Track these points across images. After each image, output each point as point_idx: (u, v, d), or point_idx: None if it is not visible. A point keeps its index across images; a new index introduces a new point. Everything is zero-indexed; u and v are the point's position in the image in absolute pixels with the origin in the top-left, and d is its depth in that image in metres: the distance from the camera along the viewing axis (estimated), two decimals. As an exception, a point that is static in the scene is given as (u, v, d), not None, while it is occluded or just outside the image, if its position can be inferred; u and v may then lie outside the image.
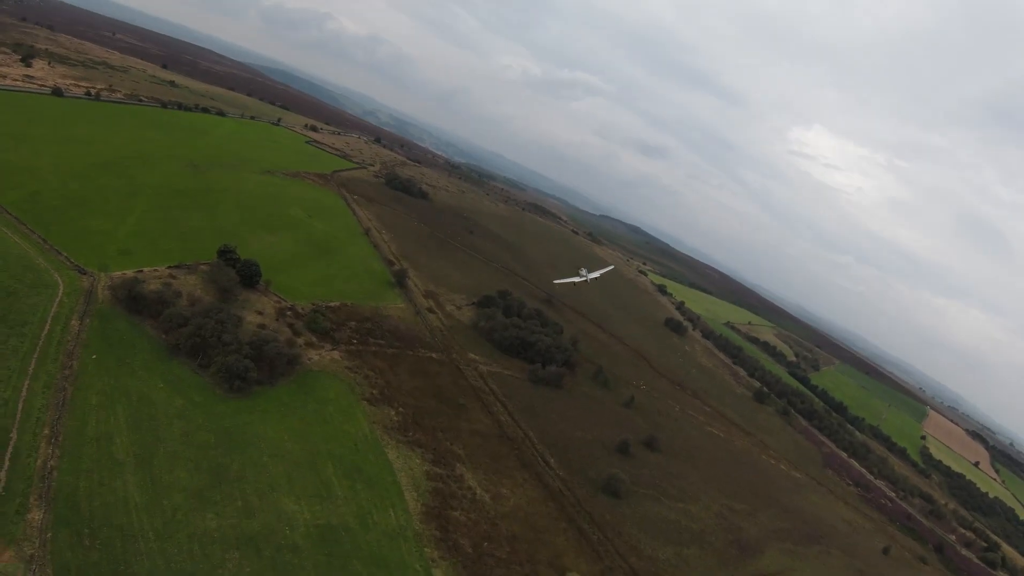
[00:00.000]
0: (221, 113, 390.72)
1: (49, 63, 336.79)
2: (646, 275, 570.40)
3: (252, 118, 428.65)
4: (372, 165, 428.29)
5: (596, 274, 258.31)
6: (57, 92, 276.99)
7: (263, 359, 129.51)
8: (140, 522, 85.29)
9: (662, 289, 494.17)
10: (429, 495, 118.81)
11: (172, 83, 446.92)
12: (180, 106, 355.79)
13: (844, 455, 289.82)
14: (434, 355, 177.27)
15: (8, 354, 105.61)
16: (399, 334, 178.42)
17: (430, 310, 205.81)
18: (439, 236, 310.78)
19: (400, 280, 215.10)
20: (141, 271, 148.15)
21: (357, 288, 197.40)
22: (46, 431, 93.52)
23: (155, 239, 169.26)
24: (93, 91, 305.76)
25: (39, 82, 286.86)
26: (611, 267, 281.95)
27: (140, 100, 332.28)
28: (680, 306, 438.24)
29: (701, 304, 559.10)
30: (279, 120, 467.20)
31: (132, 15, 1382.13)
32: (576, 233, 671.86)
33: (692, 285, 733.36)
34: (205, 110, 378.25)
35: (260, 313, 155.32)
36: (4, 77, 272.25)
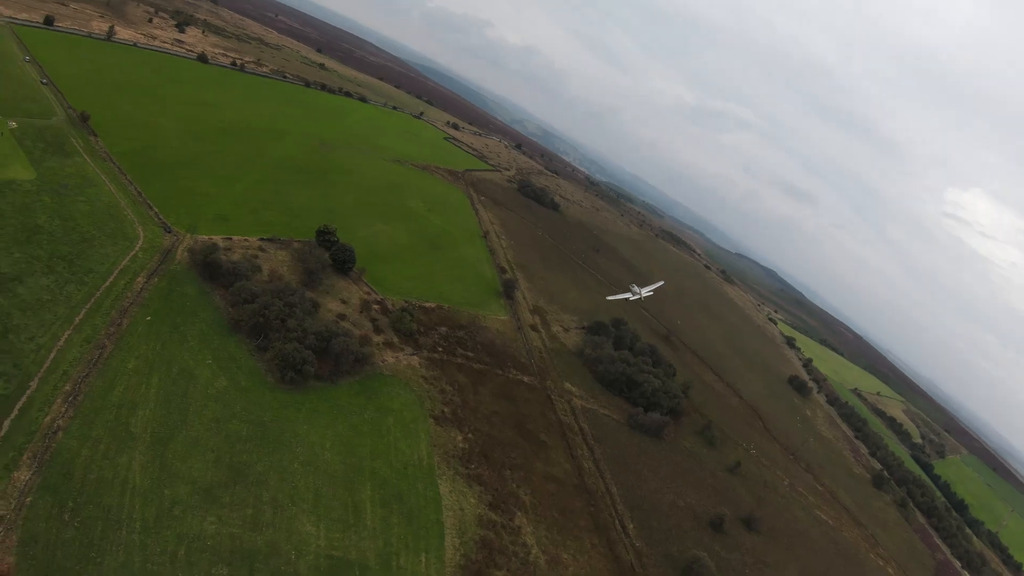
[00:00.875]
0: (364, 99, 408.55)
1: (203, 32, 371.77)
2: (775, 324, 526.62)
3: (394, 108, 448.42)
4: (507, 169, 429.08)
5: (648, 291, 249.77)
6: (202, 58, 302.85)
7: (328, 352, 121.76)
8: (131, 508, 76.89)
9: (790, 342, 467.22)
10: (474, 545, 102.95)
11: (322, 66, 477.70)
12: (324, 87, 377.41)
13: (958, 565, 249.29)
14: (525, 379, 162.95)
15: (61, 300, 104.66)
16: (492, 349, 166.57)
17: (534, 328, 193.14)
18: (562, 250, 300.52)
19: (509, 290, 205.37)
20: (230, 239, 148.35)
21: (459, 292, 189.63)
22: (67, 387, 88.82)
23: (257, 209, 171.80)
24: (239, 62, 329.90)
25: (187, 47, 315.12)
26: (661, 283, 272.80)
27: (284, 76, 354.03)
28: (807, 364, 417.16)
29: (829, 364, 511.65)
30: (421, 114, 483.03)
31: (301, 2, 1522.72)
32: (708, 268, 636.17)
33: (822, 342, 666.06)
34: (348, 94, 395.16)
35: (343, 302, 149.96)
36: (153, 39, 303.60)
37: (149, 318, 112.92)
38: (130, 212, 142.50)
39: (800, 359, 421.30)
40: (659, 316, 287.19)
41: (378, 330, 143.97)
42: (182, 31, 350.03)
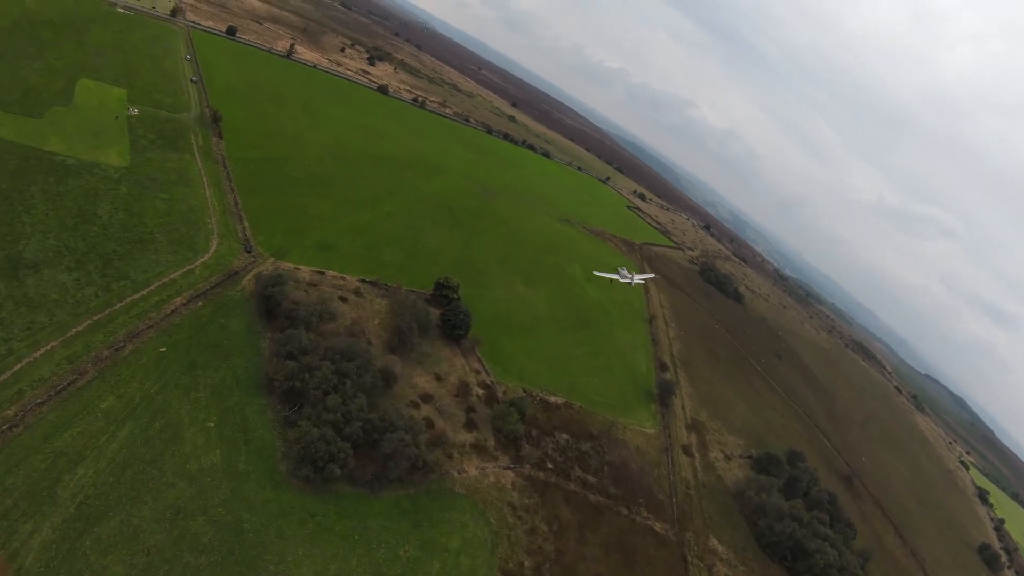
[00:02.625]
0: (547, 155, 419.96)
1: (395, 69, 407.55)
2: (967, 469, 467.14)
3: (579, 169, 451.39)
4: (691, 249, 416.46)
5: (640, 279, 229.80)
6: (382, 89, 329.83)
7: (377, 449, 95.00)
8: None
9: (983, 495, 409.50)
10: None
11: (511, 118, 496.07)
12: (506, 136, 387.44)
13: None
14: (658, 526, 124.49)
15: (69, 303, 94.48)
16: (623, 475, 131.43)
17: (686, 450, 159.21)
18: (738, 350, 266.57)
19: (664, 394, 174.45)
20: (322, 273, 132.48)
21: (599, 387, 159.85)
22: (9, 411, 74.26)
23: (376, 244, 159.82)
24: (421, 99, 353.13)
25: (372, 78, 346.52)
26: (653, 275, 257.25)
27: (467, 120, 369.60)
28: (999, 527, 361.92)
29: (1021, 526, 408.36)
30: (607, 179, 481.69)
31: (510, 64, 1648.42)
32: (899, 391, 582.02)
33: (1014, 496, 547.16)
34: (531, 147, 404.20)
35: (437, 379, 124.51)
36: (339, 65, 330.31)
37: (163, 349, 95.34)
38: (214, 221, 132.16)
39: (992, 519, 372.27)
40: (842, 447, 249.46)
41: (471, 425, 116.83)
42: (373, 64, 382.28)
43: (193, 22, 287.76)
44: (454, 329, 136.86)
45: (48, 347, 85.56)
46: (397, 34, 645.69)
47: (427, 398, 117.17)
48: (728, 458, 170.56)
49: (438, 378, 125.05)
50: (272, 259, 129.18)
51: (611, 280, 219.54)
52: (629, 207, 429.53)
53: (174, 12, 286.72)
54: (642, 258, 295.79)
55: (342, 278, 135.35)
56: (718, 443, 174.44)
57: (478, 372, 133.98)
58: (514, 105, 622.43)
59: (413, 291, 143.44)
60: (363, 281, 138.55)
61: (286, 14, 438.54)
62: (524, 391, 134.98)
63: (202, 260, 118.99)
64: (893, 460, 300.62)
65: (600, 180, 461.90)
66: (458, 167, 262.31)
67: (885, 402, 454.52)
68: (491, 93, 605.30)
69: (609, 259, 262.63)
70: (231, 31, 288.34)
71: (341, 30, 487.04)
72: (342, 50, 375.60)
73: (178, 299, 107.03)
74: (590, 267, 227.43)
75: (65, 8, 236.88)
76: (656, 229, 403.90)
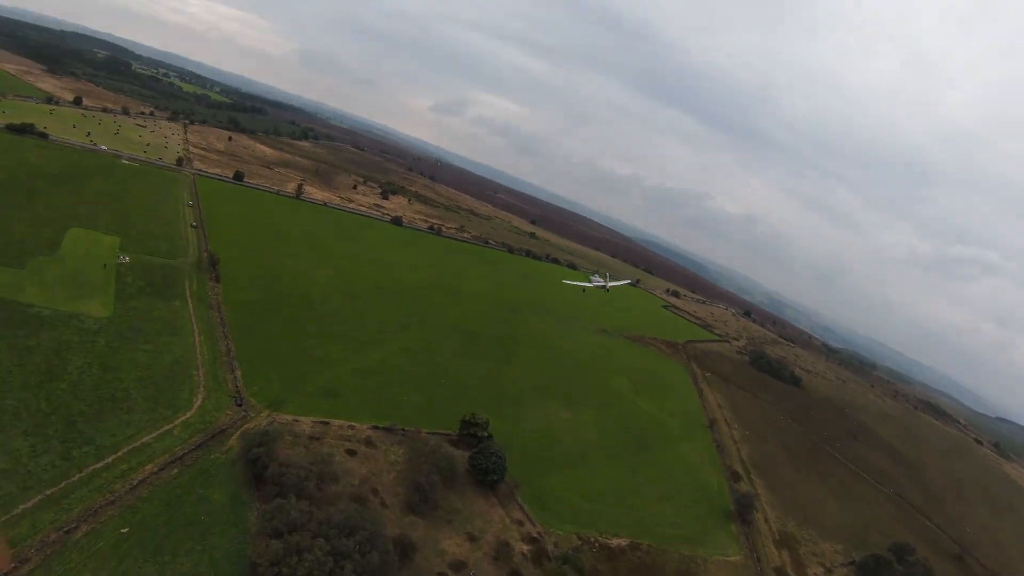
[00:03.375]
0: (572, 266, 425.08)
1: (409, 200, 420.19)
2: None
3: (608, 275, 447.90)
4: (736, 339, 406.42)
5: (614, 284, 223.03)
6: (396, 221, 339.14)
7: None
8: None
9: None
10: None
11: (532, 235, 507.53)
12: (529, 253, 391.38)
13: None
14: None
15: (17, 476, 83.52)
16: None
17: (780, 573, 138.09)
18: (810, 439, 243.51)
19: (744, 509, 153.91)
20: (326, 423, 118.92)
21: (669, 516, 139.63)
22: None
23: (389, 384, 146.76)
24: (437, 226, 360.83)
25: (385, 211, 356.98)
26: (629, 281, 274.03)
27: (487, 243, 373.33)
28: None
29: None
30: (638, 281, 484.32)
31: (525, 187, 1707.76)
32: (979, 443, 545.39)
33: None
34: (555, 261, 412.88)
35: (470, 539, 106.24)
36: (350, 201, 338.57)
37: (125, 530, 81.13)
38: (201, 372, 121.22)
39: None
40: (944, 523, 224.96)
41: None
42: (386, 198, 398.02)
43: (200, 170, 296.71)
44: (486, 474, 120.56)
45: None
46: (411, 169, 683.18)
47: (458, 567, 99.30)
48: (830, 571, 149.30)
49: (471, 539, 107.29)
50: (267, 412, 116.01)
51: (584, 288, 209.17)
52: (665, 307, 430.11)
53: (180, 161, 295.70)
54: (688, 357, 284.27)
55: (350, 427, 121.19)
56: (814, 555, 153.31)
57: (520, 523, 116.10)
58: (533, 223, 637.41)
59: (435, 434, 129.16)
60: (375, 428, 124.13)
61: (298, 159, 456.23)
62: (579, 538, 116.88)
63: (183, 418, 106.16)
64: (998, 522, 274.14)
65: (631, 284, 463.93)
66: (481, 290, 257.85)
67: (971, 459, 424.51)
68: (509, 214, 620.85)
69: (655, 365, 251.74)
70: (238, 176, 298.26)
71: (354, 169, 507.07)
72: (354, 187, 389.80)
73: (149, 467, 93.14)
74: (637, 379, 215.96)
75: (69, 161, 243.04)
76: (697, 324, 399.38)
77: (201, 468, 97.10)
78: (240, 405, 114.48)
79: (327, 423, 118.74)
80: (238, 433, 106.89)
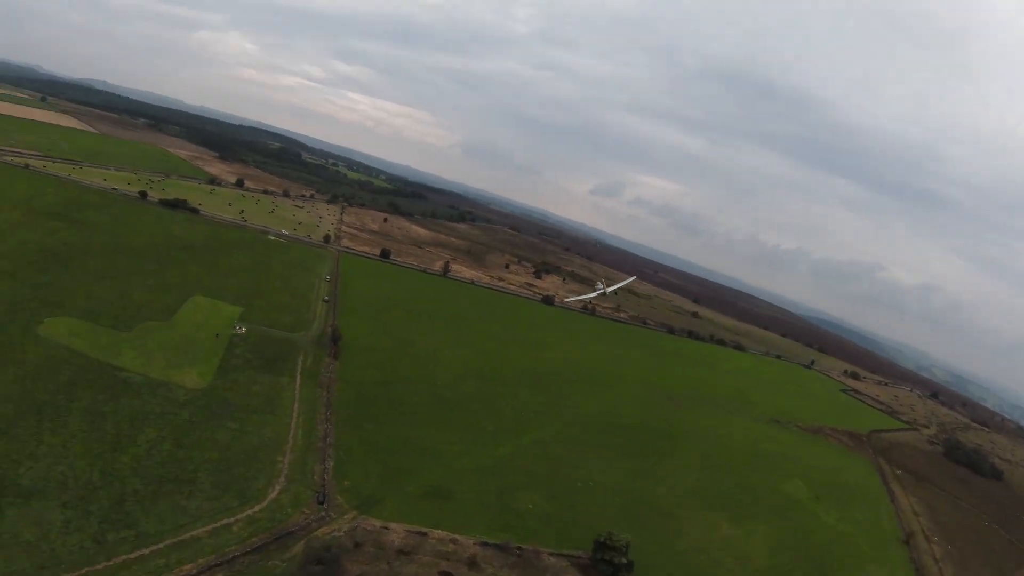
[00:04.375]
0: (739, 347, 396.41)
1: (563, 280, 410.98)
2: None
3: (777, 357, 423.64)
4: (926, 426, 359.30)
5: (613, 289, 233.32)
6: (547, 300, 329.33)
7: None
8: None
9: None
10: None
11: (694, 314, 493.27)
12: (691, 334, 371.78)
13: None
14: None
15: (35, 552, 74.43)
16: None
17: None
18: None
19: None
20: (422, 533, 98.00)
21: None
22: None
23: (513, 488, 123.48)
24: (591, 305, 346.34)
25: (536, 290, 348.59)
26: (633, 278, 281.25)
27: (645, 323, 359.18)
28: None
29: None
30: (812, 363, 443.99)
31: (686, 266, 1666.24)
32: None
33: None
34: (720, 342, 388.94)
35: None
36: (500, 280, 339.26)
37: None
38: (286, 459, 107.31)
39: None
40: None
41: None
42: (539, 277, 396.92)
43: (347, 247, 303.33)
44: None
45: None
46: (568, 249, 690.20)
47: None
48: None
49: None
50: (353, 513, 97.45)
51: (590, 300, 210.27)
52: (844, 390, 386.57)
53: (327, 239, 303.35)
54: (875, 451, 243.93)
55: (452, 540, 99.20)
56: None
57: None
58: (696, 301, 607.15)
59: (560, 555, 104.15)
60: (484, 544, 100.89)
61: (452, 239, 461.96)
62: None
63: (248, 512, 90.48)
64: None
65: (804, 366, 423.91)
66: (634, 375, 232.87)
67: None
68: (670, 293, 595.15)
69: (836, 461, 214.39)
70: (385, 254, 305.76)
71: (508, 249, 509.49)
72: (506, 267, 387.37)
73: (188, 567, 77.74)
74: (815, 481, 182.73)
75: (213, 234, 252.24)
76: (881, 410, 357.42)
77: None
78: (322, 503, 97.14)
79: (424, 533, 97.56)
80: (309, 537, 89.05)
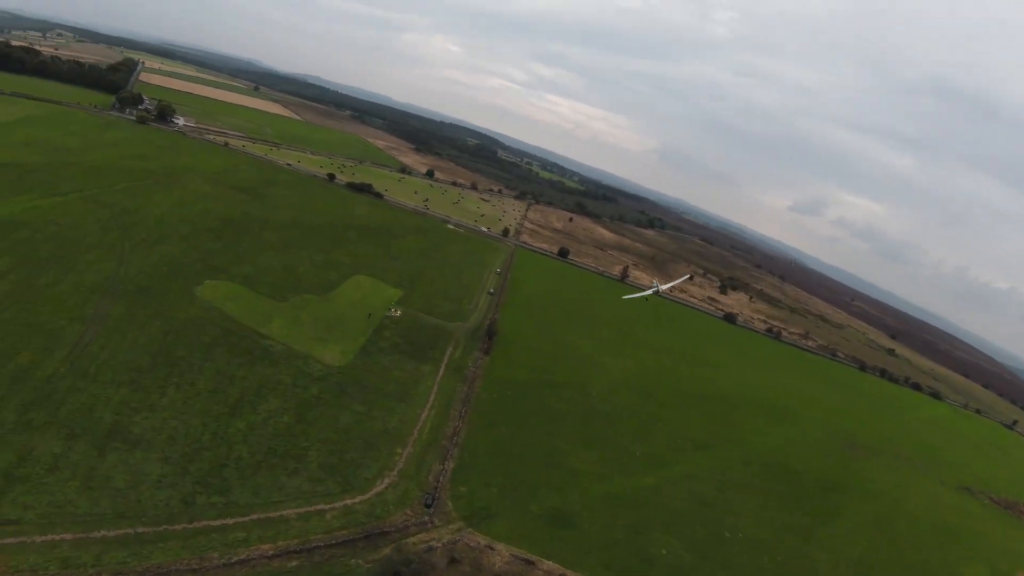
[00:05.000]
0: (936, 395, 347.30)
1: (751, 298, 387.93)
2: None
3: (977, 411, 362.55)
4: None
5: (667, 287, 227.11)
6: (729, 318, 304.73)
7: None
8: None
9: None
10: None
11: (891, 351, 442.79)
12: (883, 373, 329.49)
13: None
14: None
15: (122, 499, 74.96)
16: None
17: None
18: None
19: None
20: (529, 562, 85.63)
21: None
22: None
23: (645, 525, 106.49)
24: (776, 329, 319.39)
25: (718, 306, 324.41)
26: (688, 276, 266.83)
27: (834, 355, 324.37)
28: None
29: None
30: (1014, 423, 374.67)
31: (886, 296, 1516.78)
32: None
33: None
34: (916, 386, 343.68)
35: None
36: (682, 292, 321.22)
37: None
38: (405, 452, 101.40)
39: None
40: None
41: None
42: (724, 292, 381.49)
43: (524, 242, 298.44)
44: None
45: (46, 538, 66.55)
46: (759, 266, 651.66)
47: None
48: None
49: None
50: (459, 525, 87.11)
51: (646, 298, 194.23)
52: None
53: (506, 232, 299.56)
54: None
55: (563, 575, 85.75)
56: None
57: None
58: (893, 337, 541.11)
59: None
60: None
61: (636, 244, 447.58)
62: None
63: (347, 502, 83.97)
64: None
65: (1006, 426, 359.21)
66: (814, 413, 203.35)
67: None
68: (865, 324, 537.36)
69: None
70: (563, 253, 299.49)
71: (695, 260, 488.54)
72: (690, 278, 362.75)
73: (266, 547, 73.04)
74: (1001, 568, 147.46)
75: (392, 219, 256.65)
76: None
77: (327, 574, 71.44)
78: (429, 506, 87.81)
79: (532, 562, 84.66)
80: (403, 542, 79.81)
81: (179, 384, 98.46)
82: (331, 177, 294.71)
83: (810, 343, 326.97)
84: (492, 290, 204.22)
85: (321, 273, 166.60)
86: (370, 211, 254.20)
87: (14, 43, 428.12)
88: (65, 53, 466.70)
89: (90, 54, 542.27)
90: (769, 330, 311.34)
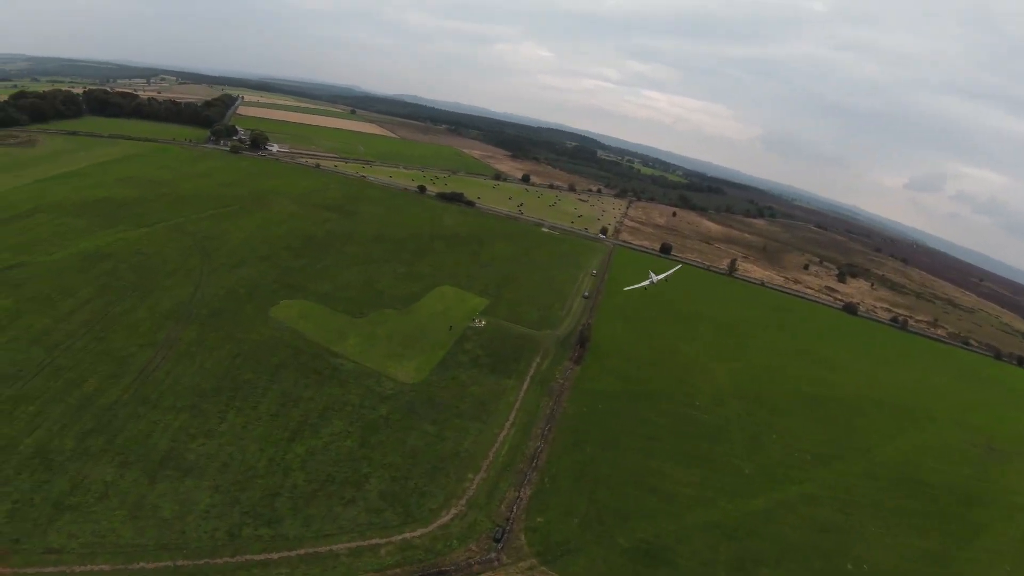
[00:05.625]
0: None
1: (872, 285, 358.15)
2: None
3: None
4: None
5: (662, 276, 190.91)
6: (849, 309, 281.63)
7: None
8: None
9: None
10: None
11: None
12: (1021, 361, 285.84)
13: None
14: None
15: (166, 530, 71.03)
16: None
17: None
18: None
19: None
20: None
21: None
22: None
23: (752, 558, 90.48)
24: (902, 318, 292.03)
25: (837, 296, 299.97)
26: (679, 267, 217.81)
27: (967, 343, 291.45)
28: None
29: None
30: None
31: (1017, 275, 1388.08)
32: None
33: None
34: None
35: None
36: (796, 283, 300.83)
37: None
38: (477, 479, 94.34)
39: None
40: None
41: None
42: (842, 280, 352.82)
43: (624, 241, 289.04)
44: None
45: (84, 568, 63.91)
46: (879, 250, 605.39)
47: None
48: None
49: None
50: (531, 563, 77.23)
51: (645, 288, 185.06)
52: None
53: (604, 232, 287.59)
54: None
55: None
56: None
57: None
58: None
59: None
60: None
61: (745, 235, 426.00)
62: None
63: (406, 535, 76.61)
64: None
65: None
66: (946, 412, 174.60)
67: None
68: (998, 307, 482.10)
69: None
70: (665, 249, 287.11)
71: (809, 248, 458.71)
72: (805, 267, 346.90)
73: None
74: None
75: (481, 226, 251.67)
76: None
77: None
78: (498, 540, 78.52)
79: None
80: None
81: (240, 408, 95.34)
82: (422, 189, 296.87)
83: (939, 331, 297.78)
84: (587, 293, 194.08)
85: (403, 286, 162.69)
86: (459, 220, 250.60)
87: (113, 90, 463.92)
88: (167, 95, 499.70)
89: (191, 94, 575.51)
90: (894, 319, 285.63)
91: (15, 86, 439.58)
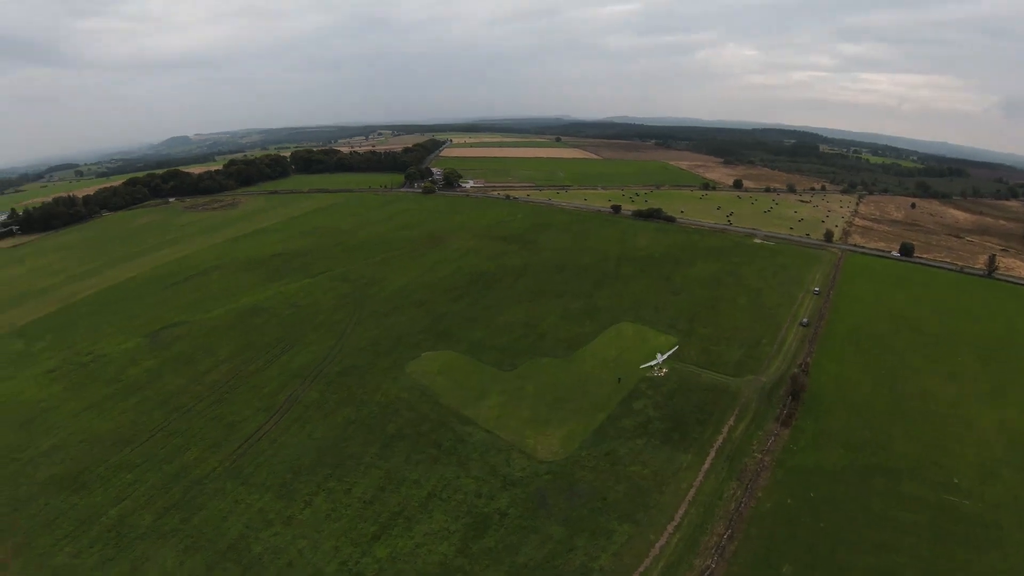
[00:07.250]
0: None
1: None
2: None
3: None
4: None
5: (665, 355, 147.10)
6: None
7: None
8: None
9: None
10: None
11: None
12: None
13: None
14: None
15: None
16: None
17: None
18: None
19: None
20: None
21: None
22: None
23: None
24: None
25: None
26: (675, 347, 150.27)
27: None
28: None
29: None
30: None
31: None
32: None
33: None
34: None
35: None
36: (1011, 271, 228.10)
37: None
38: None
39: None
40: None
41: None
42: None
43: (854, 245, 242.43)
44: None
45: None
46: None
47: None
48: None
49: None
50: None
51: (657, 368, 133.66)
52: None
53: (828, 236, 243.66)
54: None
55: None
56: None
57: None
58: None
59: None
60: None
61: (1001, 223, 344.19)
62: None
63: None
64: None
65: None
66: None
67: None
68: None
69: None
70: (906, 251, 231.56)
71: None
72: None
73: None
74: None
75: (679, 244, 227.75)
76: None
77: None
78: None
79: None
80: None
81: (332, 491, 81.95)
82: (616, 209, 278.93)
83: None
84: (806, 320, 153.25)
85: (571, 326, 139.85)
86: (654, 239, 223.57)
87: (317, 148, 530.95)
88: (382, 148, 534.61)
89: (401, 144, 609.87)
90: None
91: (245, 155, 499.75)
